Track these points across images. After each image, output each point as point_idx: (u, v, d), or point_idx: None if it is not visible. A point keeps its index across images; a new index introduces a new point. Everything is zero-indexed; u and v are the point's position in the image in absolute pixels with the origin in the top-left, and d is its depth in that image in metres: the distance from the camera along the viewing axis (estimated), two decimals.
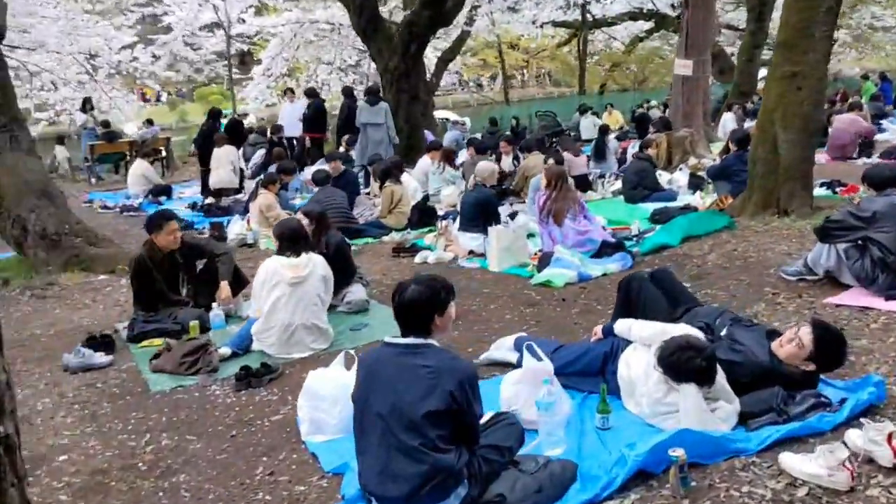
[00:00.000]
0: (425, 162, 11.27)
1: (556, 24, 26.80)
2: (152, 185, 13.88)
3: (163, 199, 13.43)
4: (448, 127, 17.70)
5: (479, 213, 7.65)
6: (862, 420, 3.25)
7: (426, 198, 9.50)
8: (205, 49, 27.63)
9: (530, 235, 7.71)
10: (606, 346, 3.99)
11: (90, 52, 20.06)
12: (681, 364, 3.37)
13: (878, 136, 14.42)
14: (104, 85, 22.24)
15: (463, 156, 11.98)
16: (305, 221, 5.94)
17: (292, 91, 16.99)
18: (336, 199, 8.83)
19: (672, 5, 25.37)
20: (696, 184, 10.36)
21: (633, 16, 28.05)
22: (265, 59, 24.56)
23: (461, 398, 2.81)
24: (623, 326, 3.96)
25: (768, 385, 3.58)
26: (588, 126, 19.67)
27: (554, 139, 15.78)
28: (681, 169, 11.30)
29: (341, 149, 14.31)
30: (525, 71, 58.02)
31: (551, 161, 9.27)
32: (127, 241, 9.78)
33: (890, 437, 2.98)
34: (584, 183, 11.01)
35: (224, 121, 14.72)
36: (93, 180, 16.41)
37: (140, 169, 13.86)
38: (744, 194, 8.45)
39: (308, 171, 13.34)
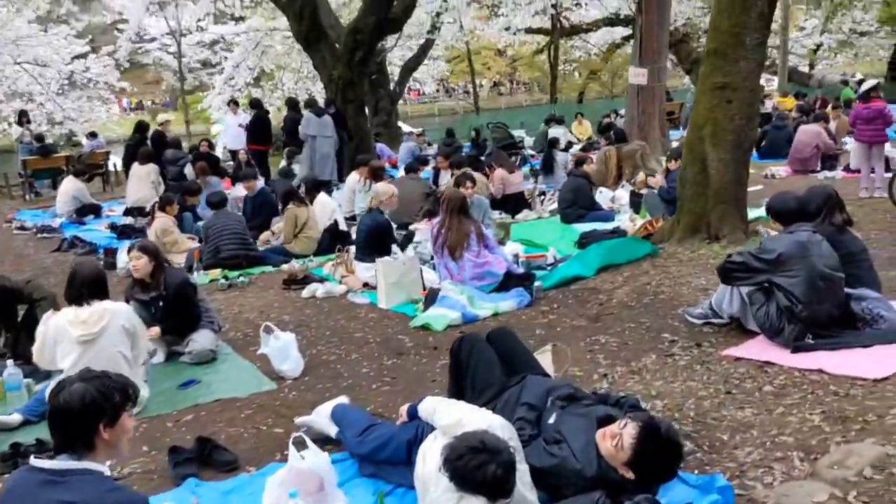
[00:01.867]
0: (352, 179, 10.54)
1: (528, 31, 26.05)
2: (81, 203, 13.12)
3: (89, 218, 12.68)
4: (403, 138, 16.94)
5: (374, 240, 6.90)
6: None
7: (336, 221, 8.75)
8: (188, 57, 26.96)
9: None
10: (411, 433, 3.25)
11: (38, 62, 19.35)
12: (468, 471, 2.62)
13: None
14: (71, 96, 21.60)
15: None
16: (143, 260, 5.20)
17: (235, 102, 16.27)
18: (231, 225, 8.09)
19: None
20: (637, 202, 9.64)
21: (610, 22, 27.32)
22: (227, 67, 23.85)
23: None
24: (428, 408, 3.21)
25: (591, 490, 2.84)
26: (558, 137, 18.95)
27: (511, 152, 15.08)
28: (623, 186, 10.56)
29: (283, 163, 13.62)
30: (513, 78, 57.45)
31: (450, 184, 8.47)
32: (21, 269, 9.03)
33: None
34: (519, 201, 10.28)
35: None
36: (28, 196, 15.67)
37: (68, 187, 13.10)
38: (673, 217, 7.73)
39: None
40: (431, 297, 5.95)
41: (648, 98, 13.19)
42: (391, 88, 21.44)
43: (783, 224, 4.86)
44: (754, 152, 15.08)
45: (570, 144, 18.29)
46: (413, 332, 5.64)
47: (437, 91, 56.19)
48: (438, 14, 20.75)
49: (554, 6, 22.58)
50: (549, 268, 7.11)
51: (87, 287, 4.23)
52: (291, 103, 13.86)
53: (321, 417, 3.92)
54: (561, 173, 12.54)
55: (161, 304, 5.22)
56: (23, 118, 16.20)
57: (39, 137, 15.80)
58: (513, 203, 10.18)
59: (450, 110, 49.33)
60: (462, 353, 3.65)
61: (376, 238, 6.92)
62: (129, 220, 11.43)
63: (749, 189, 10.89)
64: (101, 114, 27.11)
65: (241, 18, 22.43)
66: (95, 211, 13.00)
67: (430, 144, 17.88)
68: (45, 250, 10.37)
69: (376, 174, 10.10)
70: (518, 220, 9.98)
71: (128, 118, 44.38)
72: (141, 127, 12.95)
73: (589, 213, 9.41)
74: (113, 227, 11.44)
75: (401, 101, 52.03)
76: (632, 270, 6.78)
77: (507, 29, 27.24)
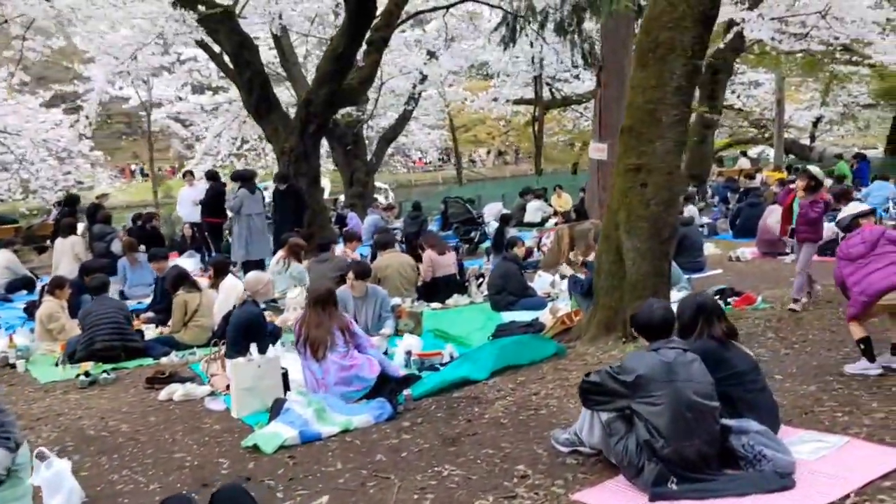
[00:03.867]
0: (275, 258, 9.87)
1: (516, 102, 25.70)
2: (15, 276, 12.52)
3: (20, 294, 12.07)
4: (368, 210, 16.31)
5: (245, 335, 6.14)
6: None
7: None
8: (172, 126, 26.61)
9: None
10: None
11: (7, 130, 19.06)
12: None
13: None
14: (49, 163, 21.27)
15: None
16: None
17: (192, 174, 15.77)
18: (110, 312, 7.37)
19: None
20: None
21: None
22: (208, 137, 23.53)
23: None
24: None
25: None
26: (534, 210, 18.30)
27: (467, 228, 14.40)
28: (559, 269, 9.80)
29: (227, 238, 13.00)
30: (518, 148, 57.30)
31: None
32: None
33: None
34: (451, 285, 9.52)
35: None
36: None
37: (0, 259, 12.53)
38: (590, 311, 6.93)
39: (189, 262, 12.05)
40: (276, 408, 5.16)
41: (609, 174, 12.42)
42: (368, 159, 20.98)
43: (649, 340, 4.07)
44: (728, 231, 14.49)
45: (544, 219, 17.66)
46: (243, 454, 4.82)
47: (442, 159, 56.08)
48: (414, 86, 20.48)
49: (537, 78, 22.18)
50: (441, 367, 6.31)
51: None
52: (211, 175, 13.24)
53: None
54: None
55: None
56: None
57: None
58: (443, 287, 9.42)
59: (452, 178, 48.88)
60: None
61: (248, 333, 6.16)
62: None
63: (706, 273, 10.30)
64: (102, 180, 26.99)
65: (220, 89, 22.20)
66: (29, 285, 12.38)
67: (397, 217, 17.26)
68: None
69: (296, 253, 9.42)
70: (448, 305, 9.23)
71: (137, 184, 44.38)
72: (70, 199, 12.40)
73: (520, 299, 8.64)
74: (32, 304, 10.79)
75: (404, 170, 52.06)
76: (529, 374, 5.98)
77: (495, 100, 27.08)
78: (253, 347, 5.64)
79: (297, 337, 5.67)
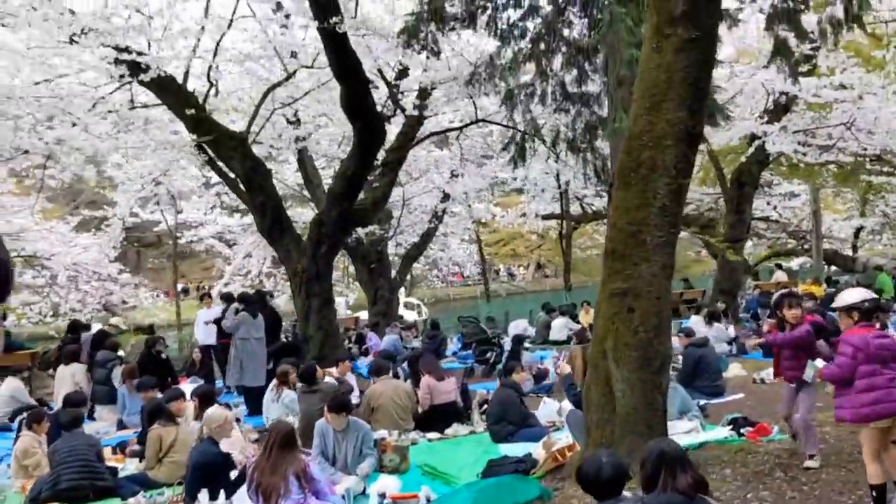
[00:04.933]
0: (272, 385, 9.53)
1: (544, 217, 25.61)
2: (19, 404, 12.34)
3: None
4: (387, 330, 16.00)
5: (200, 479, 5.74)
6: None
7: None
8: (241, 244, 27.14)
9: None
10: None
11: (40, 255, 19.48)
12: None
13: None
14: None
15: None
16: None
17: (209, 296, 15.73)
18: (79, 449, 7.03)
19: None
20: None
21: None
22: (237, 257, 23.76)
23: None
24: None
25: None
26: (559, 328, 17.78)
27: (482, 348, 13.93)
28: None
29: None
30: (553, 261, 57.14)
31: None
32: None
33: None
34: (450, 413, 9.03)
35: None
36: None
37: (5, 386, 12.39)
38: (582, 448, 6.40)
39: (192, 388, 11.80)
40: None
41: None
42: (392, 277, 20.84)
43: (597, 499, 3.58)
44: (758, 350, 13.74)
45: (569, 338, 17.10)
46: None
47: (479, 274, 56.09)
48: (437, 205, 20.51)
49: (563, 193, 22.11)
50: None
51: None
52: (225, 297, 13.06)
53: None
54: (527, 376, 11.32)
55: None
56: None
57: (7, 333, 15.37)
58: (443, 415, 8.93)
59: (493, 293, 48.61)
60: None
61: (205, 476, 5.76)
62: None
63: (725, 398, 9.64)
64: (145, 301, 27.37)
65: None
66: None
67: (416, 336, 16.89)
68: None
69: (285, 380, 9.07)
70: (447, 435, 8.72)
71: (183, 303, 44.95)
72: (73, 326, 12.33)
73: (520, 429, 8.10)
74: None
75: (442, 284, 51.97)
76: None
77: (523, 215, 27.07)
78: (203, 494, 5.23)
79: (249, 483, 5.26)
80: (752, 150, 15.90)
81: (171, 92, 12.51)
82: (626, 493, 3.66)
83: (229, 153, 12.81)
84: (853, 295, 5.13)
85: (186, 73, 12.61)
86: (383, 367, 9.16)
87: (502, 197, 31.02)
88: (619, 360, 6.00)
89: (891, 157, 18.52)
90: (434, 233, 21.74)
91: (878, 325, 5.35)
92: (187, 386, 11.61)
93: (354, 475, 6.51)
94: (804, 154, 16.71)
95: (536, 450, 7.04)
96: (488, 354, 13.59)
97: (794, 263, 33.65)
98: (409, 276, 39.71)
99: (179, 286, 51.54)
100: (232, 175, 13.61)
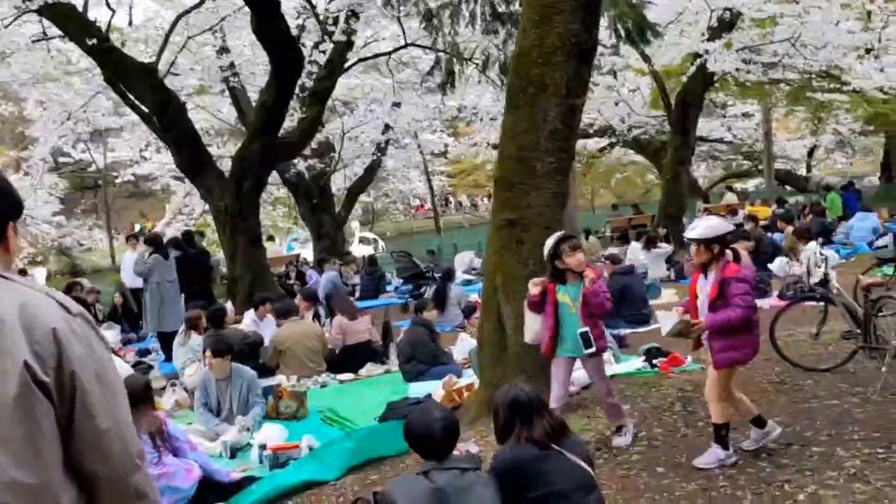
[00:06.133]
0: (181, 329, 9.09)
1: (494, 147, 25.05)
2: None
3: None
4: (326, 267, 15.52)
5: None
6: None
7: None
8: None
9: None
10: None
11: None
12: None
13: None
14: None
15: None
16: None
17: (136, 237, 15.09)
18: None
19: (622, 119, 23.56)
20: None
21: (585, 134, 26.31)
22: (177, 196, 23.07)
23: None
24: None
25: None
26: None
27: (417, 283, 13.59)
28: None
29: None
30: None
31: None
32: None
33: None
34: (365, 353, 8.68)
35: None
36: None
37: None
38: (478, 389, 6.09)
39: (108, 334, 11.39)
40: None
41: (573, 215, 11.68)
42: (336, 213, 20.31)
43: (423, 457, 3.22)
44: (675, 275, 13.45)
45: None
46: None
47: (444, 205, 55.51)
48: (383, 132, 19.87)
49: None
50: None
51: None
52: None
53: None
54: (455, 311, 11.01)
55: None
56: None
57: None
58: (357, 355, 8.59)
59: (456, 223, 48.16)
60: None
61: None
62: None
63: (650, 327, 9.37)
64: (100, 243, 26.75)
65: None
66: None
67: (356, 272, 16.47)
68: None
69: (194, 326, 8.64)
70: (360, 376, 8.40)
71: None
72: None
73: (431, 368, 7.78)
74: None
75: (405, 218, 51.39)
76: (389, 470, 5.11)
77: (474, 144, 26.57)
78: None
79: None
80: (693, 69, 15.40)
81: (72, 21, 11.69)
82: (469, 447, 3.30)
83: (138, 86, 12.07)
84: (712, 226, 4.53)
85: (86, 2, 11.78)
86: (291, 308, 8.75)
87: (465, 128, 30.35)
88: (508, 296, 5.63)
89: (839, 72, 18.10)
90: (378, 166, 21.15)
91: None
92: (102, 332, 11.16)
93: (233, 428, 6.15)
94: (748, 72, 16.27)
95: (437, 390, 6.72)
96: (423, 289, 13.25)
97: (751, 185, 33.53)
98: (371, 211, 39.21)
99: (137, 227, 50.66)
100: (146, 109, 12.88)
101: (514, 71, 5.78)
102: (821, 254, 6.83)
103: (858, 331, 5.90)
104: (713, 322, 4.34)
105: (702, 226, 4.57)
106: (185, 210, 23.98)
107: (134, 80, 12.08)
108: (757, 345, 4.53)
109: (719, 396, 4.46)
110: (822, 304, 6.47)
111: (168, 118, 12.33)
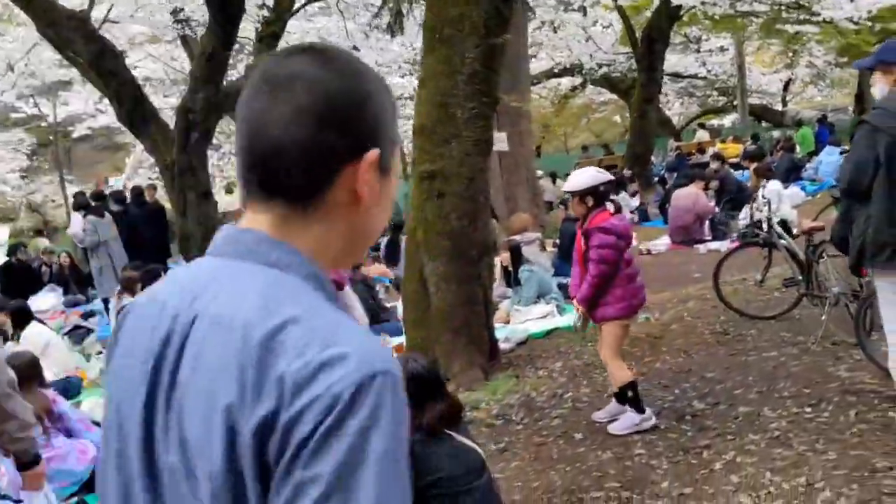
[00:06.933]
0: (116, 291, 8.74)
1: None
2: None
3: None
4: None
5: None
6: None
7: None
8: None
9: None
10: None
11: None
12: None
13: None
14: None
15: None
16: None
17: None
18: None
19: (590, 56, 22.96)
20: None
21: (553, 74, 25.72)
22: (137, 150, 22.39)
23: None
24: None
25: None
26: None
27: None
28: None
29: None
30: None
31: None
32: None
33: None
34: None
35: None
36: None
37: None
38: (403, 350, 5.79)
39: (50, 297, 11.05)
40: None
41: (512, 166, 11.33)
42: None
43: None
44: (660, 216, 13.20)
45: None
46: None
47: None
48: None
49: None
50: None
51: None
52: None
53: None
54: None
55: None
56: None
57: None
58: None
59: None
60: None
61: None
62: None
63: None
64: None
65: None
66: None
67: None
68: None
69: (129, 288, 8.26)
70: None
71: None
72: None
73: (370, 326, 7.48)
74: None
75: None
76: None
77: None
78: None
79: None
80: (657, 2, 14.87)
81: None
82: None
83: (70, 36, 11.46)
84: (584, 177, 4.19)
85: None
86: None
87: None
88: (430, 251, 5.30)
89: (809, 3, 17.58)
90: None
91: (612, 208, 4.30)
92: (41, 297, 10.82)
93: None
94: (714, 4, 15.73)
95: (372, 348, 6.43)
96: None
97: (727, 121, 33.05)
98: None
99: (112, 181, 49.75)
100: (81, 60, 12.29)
101: (430, 9, 5.35)
102: (763, 197, 6.47)
103: (800, 277, 5.62)
104: (582, 297, 4.13)
105: (575, 177, 4.26)
106: (145, 164, 23.35)
107: (65, 30, 11.47)
108: (637, 299, 4.25)
109: (614, 356, 4.19)
110: (765, 249, 6.17)
111: (104, 69, 11.76)
